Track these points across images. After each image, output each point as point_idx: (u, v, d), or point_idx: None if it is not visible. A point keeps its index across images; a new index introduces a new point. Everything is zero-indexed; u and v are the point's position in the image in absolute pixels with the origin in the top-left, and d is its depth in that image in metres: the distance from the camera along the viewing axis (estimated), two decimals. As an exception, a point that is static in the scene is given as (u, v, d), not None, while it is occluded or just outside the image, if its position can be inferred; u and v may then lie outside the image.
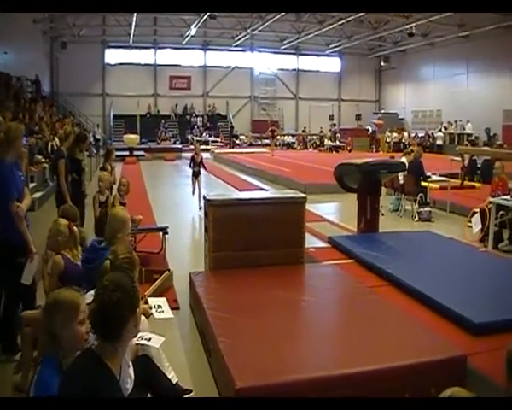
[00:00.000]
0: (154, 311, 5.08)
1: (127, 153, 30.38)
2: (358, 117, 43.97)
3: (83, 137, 10.32)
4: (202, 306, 5.86)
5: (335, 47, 42.31)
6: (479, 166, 18.51)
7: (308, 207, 7.88)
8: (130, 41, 38.47)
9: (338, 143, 37.94)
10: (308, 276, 7.15)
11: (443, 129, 36.66)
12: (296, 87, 45.59)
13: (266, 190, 16.27)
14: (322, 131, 41.54)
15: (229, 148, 37.92)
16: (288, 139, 42.07)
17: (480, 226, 10.46)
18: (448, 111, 37.19)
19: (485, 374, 4.58)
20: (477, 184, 17.00)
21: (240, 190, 16.16)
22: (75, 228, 5.29)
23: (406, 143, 35.90)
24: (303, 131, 42.80)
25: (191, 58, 42.99)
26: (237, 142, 40.39)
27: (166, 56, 42.35)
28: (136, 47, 40.67)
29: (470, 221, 10.92)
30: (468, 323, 5.48)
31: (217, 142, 39.91)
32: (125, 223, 4.96)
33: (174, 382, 4.13)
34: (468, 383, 4.53)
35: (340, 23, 32.66)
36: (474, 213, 10.79)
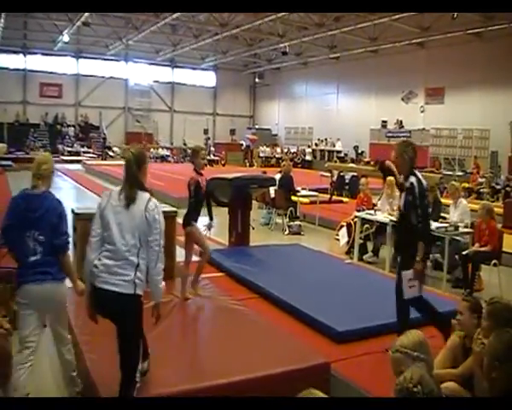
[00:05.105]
0: None
1: (-7, 162, 28.89)
2: (233, 132, 44.46)
3: None
4: (70, 323, 5.69)
5: (211, 61, 42.60)
6: (347, 181, 19.36)
7: (180, 220, 7.87)
8: (-3, 44, 36.54)
9: (212, 156, 38.16)
10: (179, 290, 7.12)
11: (314, 145, 37.88)
12: (171, 100, 45.41)
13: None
14: (185, 144, 41.32)
15: (102, 159, 37.05)
16: (163, 152, 41.69)
17: (346, 239, 10.95)
18: (319, 128, 38.47)
19: (347, 379, 4.81)
20: (345, 199, 17.76)
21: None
22: None
23: (279, 157, 36.77)
24: (184, 144, 42.28)
25: (63, 65, 41.40)
26: (110, 154, 39.50)
27: (37, 62, 40.42)
28: (3, 51, 38.64)
29: (338, 234, 11.39)
30: (331, 331, 5.72)
31: (89, 153, 38.90)
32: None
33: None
34: (332, 388, 4.74)
35: (215, 38, 32.96)
36: (341, 226, 11.29)
